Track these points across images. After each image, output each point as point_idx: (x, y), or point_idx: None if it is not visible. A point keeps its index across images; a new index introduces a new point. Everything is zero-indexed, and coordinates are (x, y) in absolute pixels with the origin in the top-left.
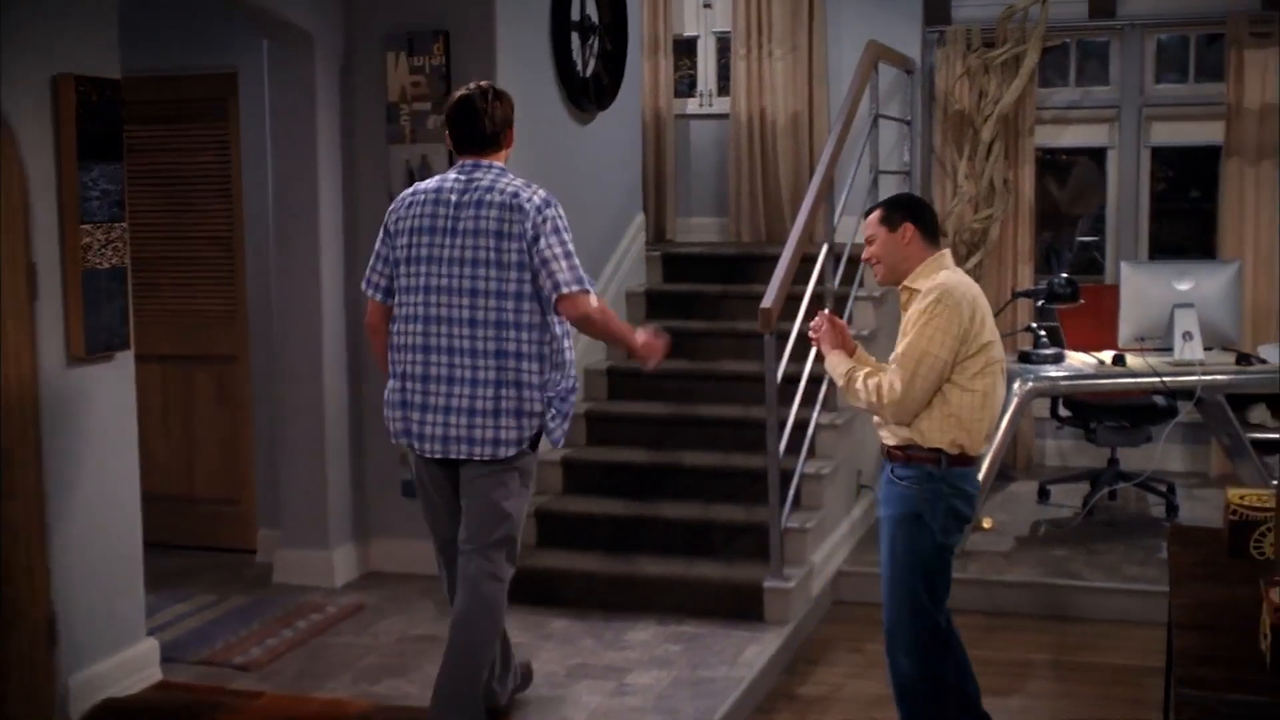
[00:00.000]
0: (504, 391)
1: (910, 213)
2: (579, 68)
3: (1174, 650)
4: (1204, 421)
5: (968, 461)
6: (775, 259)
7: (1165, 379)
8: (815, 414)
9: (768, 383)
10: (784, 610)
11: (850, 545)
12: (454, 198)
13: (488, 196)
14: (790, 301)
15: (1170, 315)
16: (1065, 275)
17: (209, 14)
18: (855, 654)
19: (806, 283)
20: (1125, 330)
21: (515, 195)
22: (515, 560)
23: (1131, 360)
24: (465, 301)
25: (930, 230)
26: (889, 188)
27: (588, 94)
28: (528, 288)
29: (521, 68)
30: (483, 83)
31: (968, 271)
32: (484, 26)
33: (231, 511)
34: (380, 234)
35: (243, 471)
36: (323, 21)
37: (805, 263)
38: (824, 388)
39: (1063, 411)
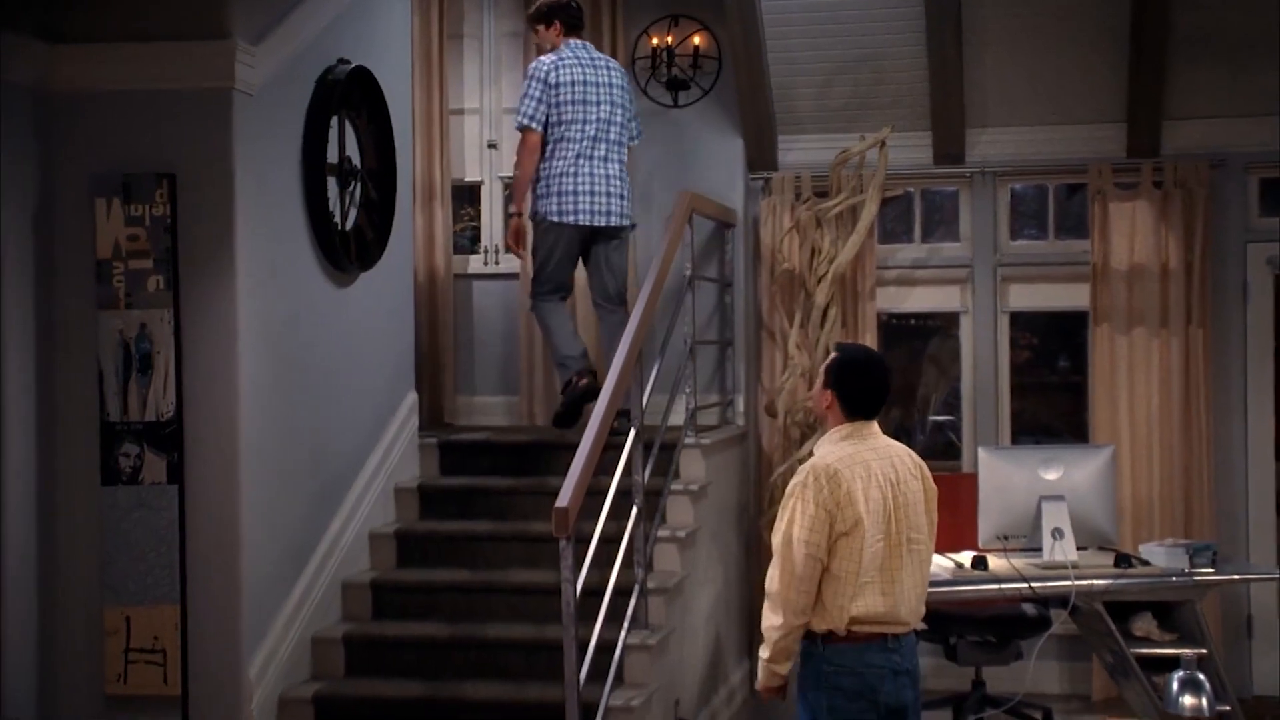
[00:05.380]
0: (623, 184)
1: (832, 378)
2: (337, 219)
3: None
4: (1082, 634)
5: (846, 639)
6: (574, 447)
7: (1034, 584)
8: (623, 633)
9: (565, 596)
10: None
11: None
12: (590, 59)
13: (609, 62)
14: (592, 497)
15: (1037, 509)
16: None
17: None
18: None
19: (612, 475)
20: (986, 527)
21: (618, 63)
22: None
23: (994, 563)
24: (606, 126)
25: (851, 403)
26: (709, 360)
27: (348, 250)
28: (623, 118)
29: (266, 219)
30: None
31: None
32: (219, 169)
33: None
34: (539, 86)
35: None
36: (11, 156)
37: (610, 451)
38: (633, 601)
39: None
